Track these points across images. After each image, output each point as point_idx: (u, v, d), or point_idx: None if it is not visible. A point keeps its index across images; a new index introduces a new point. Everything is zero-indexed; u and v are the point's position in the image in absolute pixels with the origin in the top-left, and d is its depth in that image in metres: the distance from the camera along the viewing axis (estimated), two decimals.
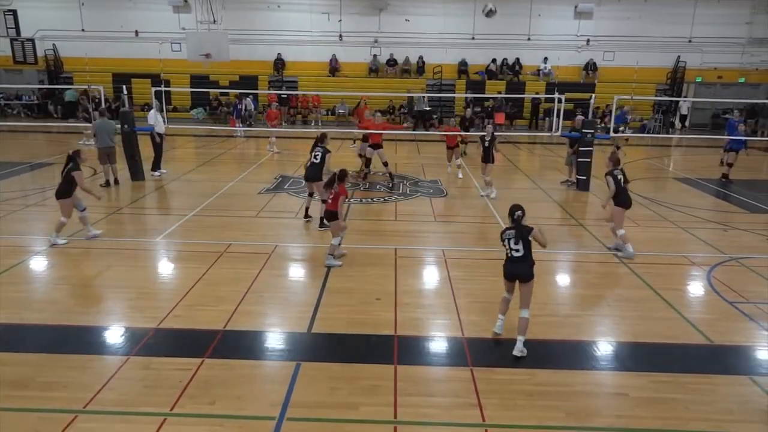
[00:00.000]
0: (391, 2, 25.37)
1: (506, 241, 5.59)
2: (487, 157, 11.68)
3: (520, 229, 5.53)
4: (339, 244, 7.72)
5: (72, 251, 8.09)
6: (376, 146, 12.87)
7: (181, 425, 4.31)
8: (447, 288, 6.99)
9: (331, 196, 7.59)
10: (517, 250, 5.52)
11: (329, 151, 9.36)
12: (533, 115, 24.89)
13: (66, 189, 8.28)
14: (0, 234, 8.70)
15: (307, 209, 9.78)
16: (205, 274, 7.23)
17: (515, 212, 5.61)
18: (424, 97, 23.76)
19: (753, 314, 6.43)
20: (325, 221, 8.06)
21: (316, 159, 9.26)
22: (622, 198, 8.23)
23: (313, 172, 9.25)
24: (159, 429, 4.24)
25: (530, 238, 5.50)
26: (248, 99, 23.86)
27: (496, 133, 11.89)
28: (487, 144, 11.68)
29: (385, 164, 12.94)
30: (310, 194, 9.65)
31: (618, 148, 12.03)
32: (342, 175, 7.64)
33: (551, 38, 25.49)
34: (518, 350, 5.42)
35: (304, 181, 9.67)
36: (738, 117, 18.20)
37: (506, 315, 5.79)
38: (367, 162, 13.29)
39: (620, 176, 8.26)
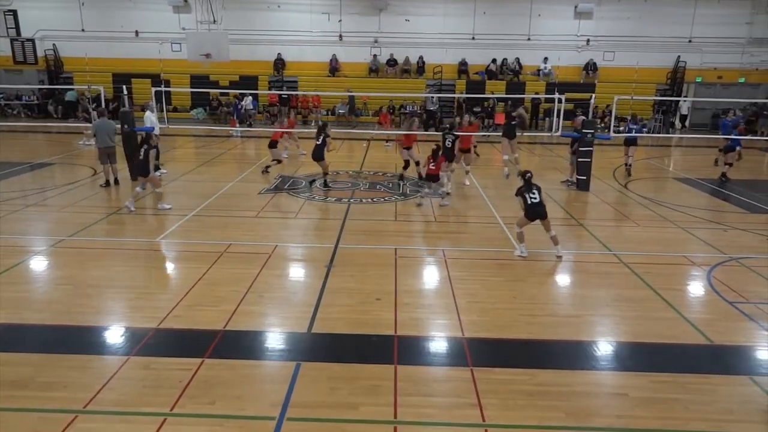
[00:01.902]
0: (391, 2, 25.36)
1: (526, 193, 7.89)
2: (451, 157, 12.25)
3: (531, 185, 7.94)
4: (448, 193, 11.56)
5: (72, 251, 8.10)
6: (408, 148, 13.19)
7: (181, 425, 4.31)
8: (447, 288, 6.99)
9: (434, 164, 10.71)
10: (535, 197, 7.87)
11: (329, 135, 12.15)
12: (533, 115, 24.83)
13: (146, 166, 10.06)
14: (0, 234, 8.71)
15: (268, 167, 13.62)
16: (205, 274, 7.23)
17: (527, 174, 8.08)
18: (433, 97, 23.76)
19: (753, 314, 6.43)
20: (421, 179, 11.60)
21: (318, 141, 11.94)
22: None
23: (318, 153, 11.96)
24: (159, 429, 4.24)
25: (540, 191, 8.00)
26: (248, 99, 23.85)
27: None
28: (449, 144, 12.08)
29: (417, 163, 13.13)
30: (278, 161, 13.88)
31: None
32: (438, 150, 10.96)
33: (551, 38, 25.46)
34: (559, 252, 8.01)
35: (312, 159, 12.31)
36: (732, 117, 18.32)
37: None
38: (406, 164, 13.41)
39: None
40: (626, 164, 14.74)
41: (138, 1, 25.34)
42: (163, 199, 10.43)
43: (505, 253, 8.32)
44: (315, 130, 13.60)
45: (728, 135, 14.78)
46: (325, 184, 12.32)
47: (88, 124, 16.53)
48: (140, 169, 10.33)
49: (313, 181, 12.59)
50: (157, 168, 13.36)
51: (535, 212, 7.89)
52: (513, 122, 12.66)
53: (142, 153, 10.20)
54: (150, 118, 13.19)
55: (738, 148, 14.25)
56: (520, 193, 8.04)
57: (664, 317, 6.32)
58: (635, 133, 14.47)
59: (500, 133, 14.34)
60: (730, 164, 14.14)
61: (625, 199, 12.15)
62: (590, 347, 5.66)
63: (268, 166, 13.84)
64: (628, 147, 14.54)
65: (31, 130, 21.35)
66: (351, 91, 23.53)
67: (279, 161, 14.02)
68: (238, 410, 4.48)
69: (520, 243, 8.19)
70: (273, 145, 13.97)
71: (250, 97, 23.96)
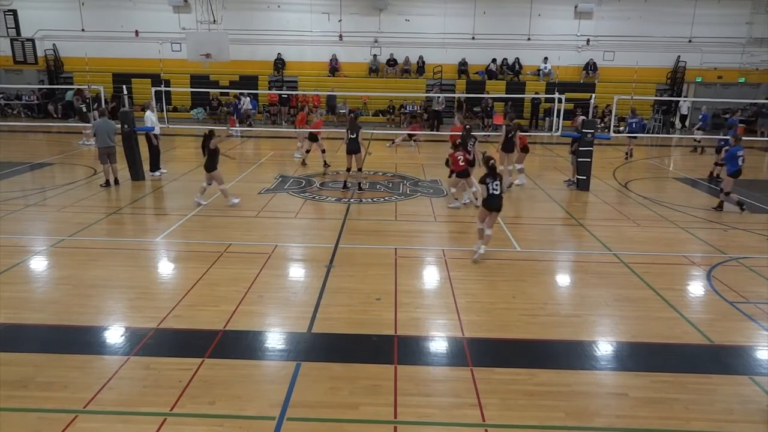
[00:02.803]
0: (391, 2, 25.36)
1: (490, 183, 7.65)
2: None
3: (495, 174, 7.72)
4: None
5: (72, 251, 8.10)
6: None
7: (181, 425, 4.31)
8: (447, 288, 6.99)
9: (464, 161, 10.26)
10: (496, 188, 7.68)
11: (361, 128, 11.84)
12: (533, 115, 24.87)
13: (211, 162, 10.23)
14: (0, 234, 8.70)
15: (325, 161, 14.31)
16: (205, 274, 7.23)
17: (490, 161, 7.81)
18: (439, 97, 23.75)
19: (753, 314, 6.43)
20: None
21: (353, 135, 11.61)
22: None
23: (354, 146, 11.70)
24: (159, 429, 4.24)
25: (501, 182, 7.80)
26: (247, 98, 23.86)
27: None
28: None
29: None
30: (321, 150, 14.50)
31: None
32: (465, 142, 10.70)
33: (551, 38, 25.46)
34: (479, 255, 7.69)
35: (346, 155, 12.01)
36: (738, 116, 18.70)
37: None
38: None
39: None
40: (626, 153, 17.05)
41: (138, 1, 25.33)
42: (228, 195, 10.62)
43: (505, 253, 8.31)
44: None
45: (702, 128, 16.59)
46: (344, 185, 12.31)
47: (88, 125, 16.53)
48: (207, 166, 10.41)
49: (345, 182, 12.38)
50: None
51: (493, 204, 7.70)
52: (509, 135, 12.11)
53: (204, 150, 10.30)
54: (150, 117, 13.18)
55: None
56: (483, 180, 7.80)
57: (664, 317, 6.32)
58: (635, 126, 16.34)
59: (498, 133, 14.48)
60: (722, 165, 14.18)
61: (625, 199, 12.14)
62: (590, 347, 5.66)
63: (324, 161, 14.41)
64: (629, 139, 17.03)
65: (31, 130, 21.35)
66: (334, 91, 23.62)
67: (324, 150, 14.60)
68: (238, 410, 4.48)
69: (478, 239, 7.91)
70: (314, 138, 14.55)
71: (249, 97, 23.95)
